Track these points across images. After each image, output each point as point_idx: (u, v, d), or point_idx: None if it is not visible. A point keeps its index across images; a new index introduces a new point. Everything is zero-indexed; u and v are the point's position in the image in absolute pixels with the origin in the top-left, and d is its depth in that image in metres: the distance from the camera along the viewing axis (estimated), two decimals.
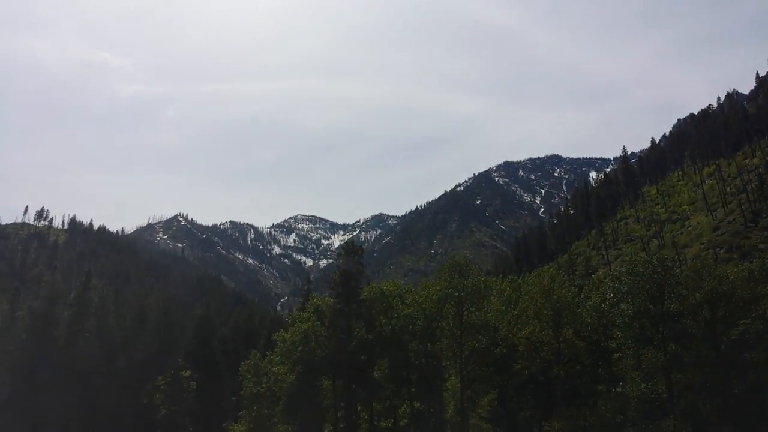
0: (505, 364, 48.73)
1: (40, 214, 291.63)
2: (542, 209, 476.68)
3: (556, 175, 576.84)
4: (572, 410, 46.01)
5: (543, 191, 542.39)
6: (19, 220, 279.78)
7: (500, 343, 48.96)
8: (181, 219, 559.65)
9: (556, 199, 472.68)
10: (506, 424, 47.97)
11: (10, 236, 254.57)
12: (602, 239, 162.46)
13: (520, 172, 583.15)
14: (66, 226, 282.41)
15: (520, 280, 58.70)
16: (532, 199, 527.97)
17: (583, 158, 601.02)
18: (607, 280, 58.68)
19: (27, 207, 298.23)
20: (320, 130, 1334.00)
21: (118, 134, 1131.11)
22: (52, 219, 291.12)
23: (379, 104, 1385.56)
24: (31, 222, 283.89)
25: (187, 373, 77.34)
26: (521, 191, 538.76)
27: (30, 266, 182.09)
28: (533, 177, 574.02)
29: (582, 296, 53.37)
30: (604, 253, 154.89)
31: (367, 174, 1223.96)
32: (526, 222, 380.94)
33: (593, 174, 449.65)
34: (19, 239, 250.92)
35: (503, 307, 51.44)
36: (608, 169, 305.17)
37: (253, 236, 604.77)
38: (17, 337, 78.06)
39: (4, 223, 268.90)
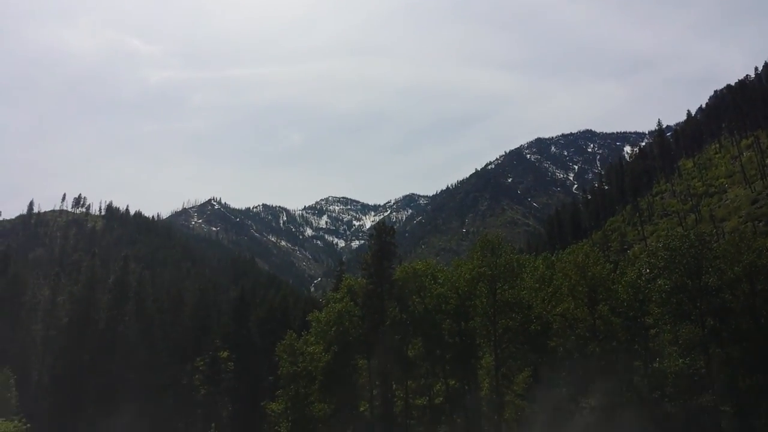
0: (540, 342, 48.56)
1: (78, 201, 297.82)
2: (575, 186, 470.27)
3: (590, 150, 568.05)
4: (609, 387, 45.77)
5: (576, 167, 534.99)
6: (57, 208, 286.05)
7: (534, 321, 48.77)
8: (214, 203, 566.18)
9: (590, 175, 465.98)
10: (542, 401, 47.88)
11: (49, 223, 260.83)
12: (637, 214, 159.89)
13: (553, 148, 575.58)
14: (103, 213, 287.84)
15: (553, 258, 58.37)
16: (565, 176, 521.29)
17: (617, 133, 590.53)
18: (642, 255, 57.68)
19: (64, 194, 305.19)
20: (349, 112, 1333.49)
21: (149, 121, 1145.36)
22: (89, 206, 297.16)
23: (407, 84, 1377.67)
24: (69, 209, 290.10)
25: (225, 354, 78.77)
26: (554, 168, 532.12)
27: (69, 252, 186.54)
28: (566, 153, 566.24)
29: (617, 272, 52.79)
30: (639, 228, 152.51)
31: (397, 154, 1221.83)
32: (559, 199, 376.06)
33: (628, 148, 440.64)
34: (58, 226, 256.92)
35: (537, 285, 51.18)
36: (643, 143, 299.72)
37: (285, 219, 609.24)
38: (59, 321, 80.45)
39: (43, 210, 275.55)
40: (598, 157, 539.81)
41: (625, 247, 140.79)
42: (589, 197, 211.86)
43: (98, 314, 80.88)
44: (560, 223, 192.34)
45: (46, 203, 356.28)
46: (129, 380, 72.14)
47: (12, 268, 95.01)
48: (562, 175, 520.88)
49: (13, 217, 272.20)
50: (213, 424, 55.67)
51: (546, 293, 50.11)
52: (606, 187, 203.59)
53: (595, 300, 47.85)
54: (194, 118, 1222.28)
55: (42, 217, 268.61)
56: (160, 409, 71.81)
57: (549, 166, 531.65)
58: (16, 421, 52.50)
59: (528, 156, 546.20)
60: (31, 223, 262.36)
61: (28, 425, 53.19)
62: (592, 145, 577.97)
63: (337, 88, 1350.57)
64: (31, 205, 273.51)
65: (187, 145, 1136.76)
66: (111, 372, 73.31)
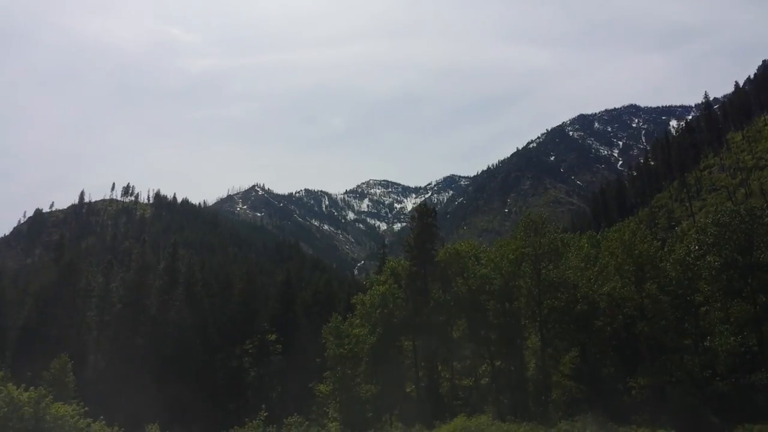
0: (587, 322, 48.12)
1: (126, 190, 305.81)
2: (620, 162, 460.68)
3: (634, 125, 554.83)
4: (658, 366, 45.20)
5: (620, 143, 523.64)
6: (107, 197, 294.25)
7: (580, 301, 48.29)
8: (258, 189, 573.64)
9: (635, 150, 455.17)
10: (589, 381, 47.54)
11: (100, 212, 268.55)
12: (685, 190, 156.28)
13: (596, 124, 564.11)
14: (151, 201, 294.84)
15: (599, 236, 57.55)
16: (610, 152, 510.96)
17: (662, 107, 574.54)
18: (691, 232, 56.58)
19: (113, 184, 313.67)
20: (387, 94, 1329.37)
21: (192, 109, 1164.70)
22: (137, 194, 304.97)
23: (446, 64, 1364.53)
24: (119, 198, 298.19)
25: (273, 337, 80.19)
26: (597, 144, 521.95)
27: (120, 240, 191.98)
28: (610, 129, 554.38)
29: (665, 250, 51.86)
30: (687, 204, 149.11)
31: (437, 135, 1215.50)
32: (603, 176, 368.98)
33: (674, 123, 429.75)
34: (109, 215, 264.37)
35: (582, 264, 50.63)
36: (689, 117, 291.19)
37: (327, 203, 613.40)
38: (113, 306, 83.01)
39: (93, 200, 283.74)
40: (643, 132, 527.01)
41: (673, 223, 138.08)
42: (635, 174, 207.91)
43: (150, 299, 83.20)
44: (605, 201, 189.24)
45: (96, 193, 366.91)
46: (181, 364, 74.15)
47: (66, 256, 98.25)
48: (606, 152, 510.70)
49: (66, 207, 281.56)
50: (263, 405, 56.77)
51: (592, 272, 49.55)
52: (652, 163, 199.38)
53: (643, 278, 47.11)
54: (235, 105, 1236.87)
55: (93, 206, 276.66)
56: (212, 391, 73.69)
57: (592, 143, 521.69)
58: (74, 404, 54.52)
59: (571, 133, 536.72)
60: (83, 212, 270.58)
61: (86, 408, 55.19)
62: (636, 120, 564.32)
63: (376, 70, 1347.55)
64: (82, 195, 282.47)
65: (230, 132, 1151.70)
66: (164, 355, 75.48)
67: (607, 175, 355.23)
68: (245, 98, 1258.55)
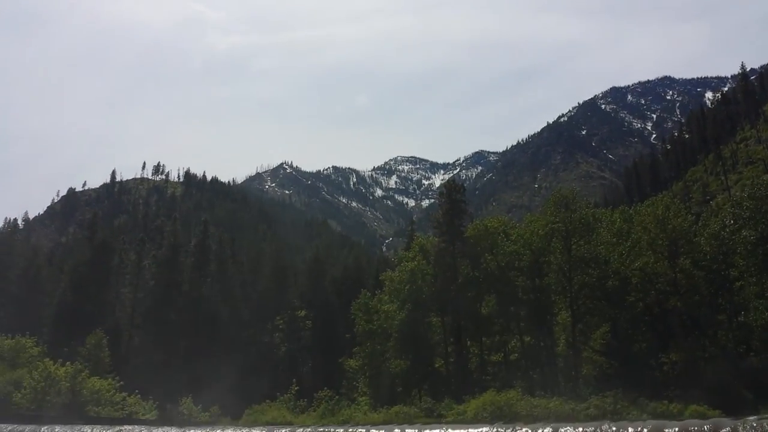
0: (618, 297, 47.48)
1: (157, 169, 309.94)
2: (654, 135, 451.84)
3: (668, 98, 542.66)
4: (691, 341, 44.53)
5: (654, 116, 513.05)
6: (138, 176, 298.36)
7: (612, 276, 47.63)
8: (286, 167, 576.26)
9: (669, 123, 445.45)
10: (620, 356, 47.06)
11: (132, 191, 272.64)
12: (720, 163, 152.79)
13: (629, 97, 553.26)
14: (181, 179, 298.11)
15: (631, 211, 56.47)
16: (643, 126, 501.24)
17: (697, 78, 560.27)
18: (726, 206, 55.02)
19: (144, 163, 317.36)
20: (415, 69, 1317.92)
21: (219, 87, 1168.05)
22: (168, 173, 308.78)
23: (471, 38, 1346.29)
24: (149, 176, 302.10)
25: (303, 313, 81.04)
26: (630, 117, 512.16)
27: (152, 218, 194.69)
28: (643, 102, 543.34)
29: (699, 224, 50.75)
30: (722, 177, 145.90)
31: (465, 111, 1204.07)
32: (636, 150, 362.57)
33: (709, 94, 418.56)
34: (140, 193, 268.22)
35: (614, 239, 49.78)
36: (725, 89, 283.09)
37: (355, 180, 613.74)
38: (146, 283, 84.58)
39: (125, 179, 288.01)
40: (677, 104, 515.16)
41: (708, 197, 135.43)
42: (669, 147, 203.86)
43: (182, 277, 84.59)
44: (638, 175, 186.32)
45: (127, 172, 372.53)
46: (213, 339, 75.37)
47: (99, 234, 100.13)
48: (639, 125, 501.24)
49: (98, 186, 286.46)
50: (294, 380, 57.57)
51: (624, 248, 48.72)
52: (686, 136, 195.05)
53: (676, 253, 46.21)
54: (262, 83, 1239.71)
55: (124, 185, 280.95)
56: (244, 366, 74.83)
57: (625, 116, 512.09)
58: (109, 379, 55.93)
59: (603, 106, 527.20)
60: (115, 191, 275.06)
61: (122, 383, 56.57)
62: (670, 93, 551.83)
63: (402, 46, 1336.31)
64: (113, 174, 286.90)
65: (257, 110, 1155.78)
66: (196, 331, 76.79)
67: (641, 149, 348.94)
68: (271, 76, 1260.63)
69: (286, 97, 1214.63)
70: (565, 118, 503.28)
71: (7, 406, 49.38)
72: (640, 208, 54.82)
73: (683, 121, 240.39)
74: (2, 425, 42.41)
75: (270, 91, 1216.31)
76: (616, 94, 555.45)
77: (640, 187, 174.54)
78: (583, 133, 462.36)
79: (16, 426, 42.08)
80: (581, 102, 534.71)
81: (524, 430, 29.85)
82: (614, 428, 27.35)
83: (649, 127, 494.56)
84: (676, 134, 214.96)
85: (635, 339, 48.40)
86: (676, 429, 26.22)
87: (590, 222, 49.84)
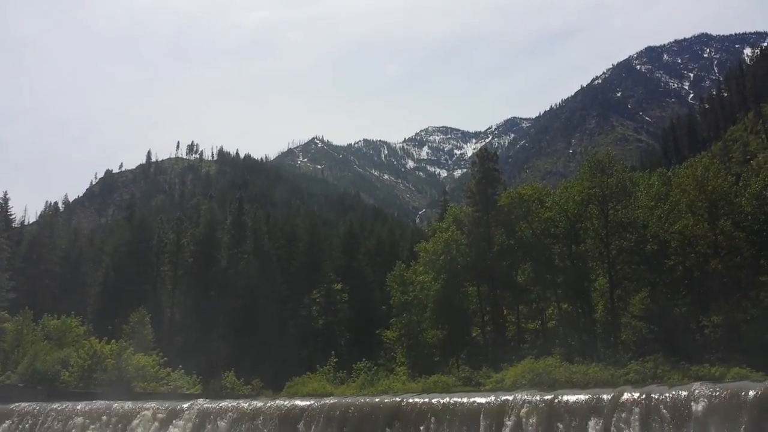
0: (657, 261, 46.79)
1: (191, 148, 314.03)
2: (691, 95, 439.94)
3: (706, 56, 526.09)
4: (732, 303, 43.82)
5: (691, 75, 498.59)
6: (173, 155, 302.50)
7: (650, 240, 46.88)
8: (317, 141, 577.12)
9: (707, 82, 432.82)
10: (660, 321, 46.53)
11: (167, 171, 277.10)
12: (761, 121, 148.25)
13: (665, 56, 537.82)
14: (215, 157, 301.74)
15: (669, 173, 55.32)
16: (680, 85, 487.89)
17: (735, 34, 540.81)
18: None
19: (178, 142, 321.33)
20: (443, 37, 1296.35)
21: (248, 64, 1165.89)
22: (201, 152, 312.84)
23: (501, 1, 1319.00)
24: (184, 156, 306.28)
25: (339, 286, 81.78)
26: (666, 77, 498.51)
27: (188, 197, 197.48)
28: (680, 60, 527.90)
29: (740, 184, 49.46)
30: (763, 136, 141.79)
31: (495, 77, 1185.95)
32: (673, 110, 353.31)
33: (748, 51, 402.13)
34: (175, 173, 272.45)
35: (652, 203, 48.88)
36: (765, 44, 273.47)
37: (386, 152, 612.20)
38: (185, 262, 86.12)
39: (160, 159, 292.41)
40: (715, 62, 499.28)
41: (748, 157, 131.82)
42: (707, 106, 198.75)
43: (220, 254, 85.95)
44: (675, 137, 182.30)
45: (162, 152, 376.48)
46: (252, 314, 76.63)
47: (138, 214, 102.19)
48: (676, 85, 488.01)
49: (134, 167, 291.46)
50: (333, 352, 58.31)
51: (662, 211, 47.85)
52: (725, 95, 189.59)
53: (716, 215, 45.25)
54: (290, 58, 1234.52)
55: (160, 165, 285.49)
56: (283, 339, 76.09)
57: (661, 76, 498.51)
58: (153, 355, 57.36)
59: (638, 67, 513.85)
60: (151, 171, 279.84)
61: (165, 359, 57.99)
62: (708, 50, 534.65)
63: (430, 14, 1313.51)
64: (149, 154, 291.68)
65: (286, 86, 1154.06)
66: (235, 307, 78.14)
67: (678, 110, 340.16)
68: (299, 50, 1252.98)
69: (315, 71, 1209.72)
70: (600, 81, 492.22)
71: (56, 384, 51.06)
72: (678, 170, 53.70)
73: (721, 79, 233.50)
74: (54, 403, 43.88)
75: (298, 66, 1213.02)
76: (651, 53, 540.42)
77: (678, 148, 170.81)
78: (618, 95, 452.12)
79: (67, 403, 43.45)
80: (615, 63, 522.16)
81: (565, 398, 29.74)
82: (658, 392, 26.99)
83: (686, 87, 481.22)
84: (714, 93, 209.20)
85: (675, 303, 47.79)
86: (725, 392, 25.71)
87: (627, 186, 48.96)
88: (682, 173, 50.16)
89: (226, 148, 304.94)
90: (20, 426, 41.69)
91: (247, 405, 35.46)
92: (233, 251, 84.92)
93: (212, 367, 61.09)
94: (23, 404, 43.72)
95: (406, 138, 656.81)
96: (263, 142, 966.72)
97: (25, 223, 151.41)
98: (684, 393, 24.77)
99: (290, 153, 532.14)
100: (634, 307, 47.77)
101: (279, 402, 35.65)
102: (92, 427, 38.92)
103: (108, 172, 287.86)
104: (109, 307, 78.84)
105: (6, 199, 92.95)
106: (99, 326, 69.40)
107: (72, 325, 64.40)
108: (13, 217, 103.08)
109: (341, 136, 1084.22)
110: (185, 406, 37.18)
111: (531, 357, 40.77)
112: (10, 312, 68.38)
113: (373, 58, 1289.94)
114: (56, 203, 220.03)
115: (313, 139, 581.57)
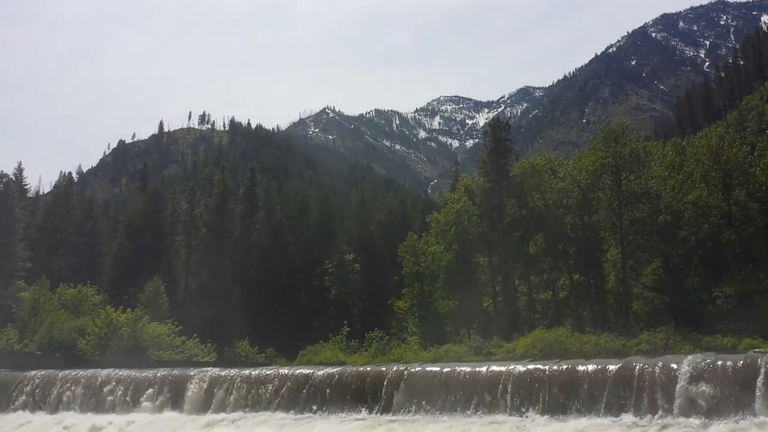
0: (670, 232, 46.63)
1: (203, 118, 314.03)
2: (707, 63, 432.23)
3: (722, 23, 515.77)
4: (745, 274, 43.70)
5: (707, 43, 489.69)
6: (185, 126, 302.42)
7: (663, 211, 46.65)
8: (329, 111, 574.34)
9: (723, 50, 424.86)
10: (672, 291, 46.58)
11: (179, 141, 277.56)
12: None
13: (681, 23, 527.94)
14: (227, 128, 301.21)
15: (683, 143, 54.80)
16: (695, 53, 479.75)
17: (752, 1, 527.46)
18: None
19: (190, 112, 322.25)
20: (454, 5, 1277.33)
21: (258, 33, 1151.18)
22: (213, 122, 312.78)
23: None
24: (196, 126, 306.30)
25: (351, 257, 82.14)
26: (682, 45, 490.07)
27: (200, 167, 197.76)
28: (695, 28, 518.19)
29: (755, 154, 48.92)
30: None
31: (508, 45, 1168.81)
32: (689, 79, 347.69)
33: (765, 18, 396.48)
34: (188, 143, 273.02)
35: (666, 173, 48.54)
36: None
37: (397, 122, 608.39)
38: (199, 231, 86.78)
39: (172, 129, 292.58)
40: (731, 29, 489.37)
41: (764, 126, 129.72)
42: (723, 75, 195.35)
43: (232, 224, 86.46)
44: (690, 106, 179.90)
45: (174, 122, 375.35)
46: (265, 284, 77.30)
47: (151, 184, 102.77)
48: (691, 53, 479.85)
49: (147, 137, 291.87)
50: (345, 321, 58.91)
51: (676, 181, 47.54)
52: (741, 63, 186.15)
53: (730, 185, 44.92)
54: (300, 27, 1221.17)
55: (172, 135, 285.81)
56: (296, 309, 76.79)
57: (677, 44, 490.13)
58: (169, 324, 58.26)
59: (653, 34, 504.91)
60: (163, 141, 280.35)
61: (180, 327, 58.87)
62: (724, 17, 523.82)
63: None
64: (161, 125, 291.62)
65: (297, 55, 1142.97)
66: (249, 276, 78.84)
67: (693, 78, 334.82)
68: (308, 19, 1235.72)
69: (326, 41, 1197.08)
70: (614, 49, 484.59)
71: (73, 352, 52.11)
72: (692, 140, 53.23)
73: (738, 47, 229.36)
74: (72, 370, 44.87)
75: (309, 35, 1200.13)
76: (667, 20, 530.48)
77: (693, 118, 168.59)
78: (633, 63, 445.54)
79: (83, 371, 44.45)
80: (630, 31, 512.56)
81: (577, 366, 30.12)
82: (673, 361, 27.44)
83: (702, 55, 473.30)
84: (730, 61, 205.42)
85: (687, 274, 47.75)
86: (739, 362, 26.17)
87: (641, 156, 48.57)
88: (696, 143, 49.73)
89: (237, 118, 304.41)
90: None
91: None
92: (246, 221, 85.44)
93: (226, 335, 62.01)
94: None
95: (418, 108, 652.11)
96: (275, 112, 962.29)
97: (40, 193, 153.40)
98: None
99: (301, 123, 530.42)
100: (646, 278, 47.77)
101: (293, 369, 36.87)
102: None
103: (121, 143, 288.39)
104: (124, 277, 79.86)
105: (21, 170, 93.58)
106: (114, 295, 70.37)
107: (88, 294, 65.39)
108: (28, 187, 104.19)
109: (353, 106, 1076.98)
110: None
111: (542, 327, 41.06)
112: (27, 281, 69.52)
113: (384, 27, 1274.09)
114: (70, 173, 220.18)
115: (325, 109, 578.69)
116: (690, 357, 27.77)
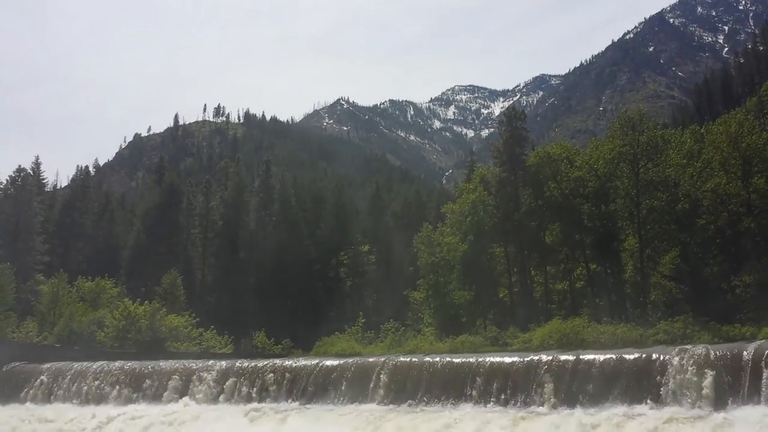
0: (688, 220, 46.05)
1: (218, 111, 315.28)
2: (726, 49, 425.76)
3: (741, 7, 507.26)
4: (764, 263, 43.02)
5: (726, 28, 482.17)
6: (200, 119, 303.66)
7: (682, 199, 46.05)
8: (343, 102, 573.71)
9: (742, 35, 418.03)
10: (690, 281, 46.04)
11: (195, 134, 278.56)
12: None
13: (699, 9, 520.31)
14: (241, 120, 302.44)
15: (702, 130, 53.98)
16: (714, 39, 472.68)
17: None
18: None
19: (205, 105, 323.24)
20: None
21: (272, 24, 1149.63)
22: (228, 114, 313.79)
23: None
24: (210, 119, 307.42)
25: (366, 248, 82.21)
26: (700, 31, 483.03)
27: (216, 160, 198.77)
28: (714, 13, 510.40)
29: None
30: None
31: (524, 33, 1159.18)
32: (707, 65, 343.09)
33: None
34: (203, 136, 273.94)
35: (684, 161, 47.86)
36: None
37: (412, 113, 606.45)
38: (215, 224, 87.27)
39: (187, 122, 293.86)
40: (751, 14, 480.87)
41: None
42: (742, 60, 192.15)
43: (248, 216, 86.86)
44: (709, 92, 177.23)
45: (189, 115, 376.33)
46: (281, 276, 77.59)
47: (167, 178, 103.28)
48: (710, 39, 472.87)
49: (162, 130, 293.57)
50: (361, 313, 59.01)
51: (694, 169, 46.86)
52: (761, 48, 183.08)
53: (750, 172, 44.16)
54: (314, 18, 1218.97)
55: (187, 128, 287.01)
56: (312, 301, 77.06)
57: (695, 30, 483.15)
58: (186, 316, 58.67)
59: (671, 20, 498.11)
60: (179, 134, 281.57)
61: (197, 319, 59.27)
62: (743, 2, 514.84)
63: None
64: (176, 117, 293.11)
65: (311, 46, 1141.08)
66: (265, 268, 79.18)
67: (712, 64, 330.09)
68: (322, 10, 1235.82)
69: (339, 31, 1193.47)
70: (631, 35, 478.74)
71: (91, 345, 52.64)
72: (711, 127, 52.36)
73: (757, 32, 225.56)
74: (91, 362, 45.29)
75: (322, 26, 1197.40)
76: (685, 6, 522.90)
77: (712, 104, 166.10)
78: (651, 50, 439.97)
79: (104, 363, 44.81)
80: (648, 17, 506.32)
81: (592, 356, 29.80)
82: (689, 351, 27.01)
83: (721, 41, 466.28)
84: (749, 46, 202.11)
85: (706, 262, 47.16)
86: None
87: (659, 144, 47.97)
88: (715, 130, 48.94)
89: (252, 111, 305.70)
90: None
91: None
92: (261, 214, 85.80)
93: (243, 326, 62.38)
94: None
95: (433, 98, 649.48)
96: (289, 104, 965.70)
97: (58, 187, 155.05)
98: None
99: (316, 114, 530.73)
100: (664, 267, 47.27)
101: (309, 360, 36.69)
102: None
103: (137, 136, 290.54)
104: (142, 269, 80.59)
105: (38, 164, 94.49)
106: (132, 288, 71.07)
107: (106, 287, 65.98)
108: (45, 181, 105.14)
109: (367, 97, 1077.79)
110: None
111: (559, 317, 40.78)
112: (46, 275, 70.27)
113: (396, 16, 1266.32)
114: (87, 167, 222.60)
115: (339, 100, 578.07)
116: None
